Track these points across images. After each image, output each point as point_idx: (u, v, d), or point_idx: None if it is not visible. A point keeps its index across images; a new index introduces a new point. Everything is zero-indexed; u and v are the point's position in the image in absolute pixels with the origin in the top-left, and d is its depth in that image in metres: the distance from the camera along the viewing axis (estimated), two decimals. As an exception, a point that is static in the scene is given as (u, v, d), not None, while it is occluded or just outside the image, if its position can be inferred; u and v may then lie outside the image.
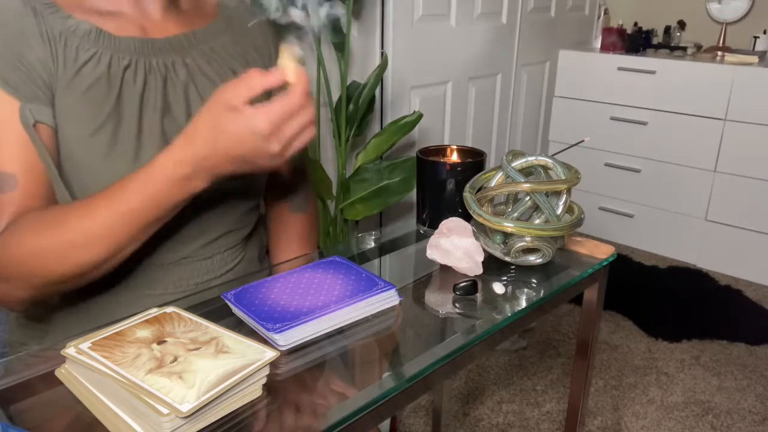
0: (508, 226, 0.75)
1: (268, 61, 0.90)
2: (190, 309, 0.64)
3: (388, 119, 2.02)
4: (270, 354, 0.54)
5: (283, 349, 0.62)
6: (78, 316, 0.78)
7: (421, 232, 0.94)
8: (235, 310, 0.68)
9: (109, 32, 0.73)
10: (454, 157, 0.95)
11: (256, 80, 0.62)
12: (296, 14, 0.64)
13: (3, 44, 0.67)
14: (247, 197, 0.85)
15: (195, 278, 0.81)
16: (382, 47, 1.99)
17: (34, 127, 0.68)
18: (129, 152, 0.71)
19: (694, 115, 2.50)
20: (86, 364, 0.52)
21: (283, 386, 0.57)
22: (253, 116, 0.61)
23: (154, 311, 0.62)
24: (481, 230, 0.82)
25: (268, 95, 0.63)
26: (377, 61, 1.99)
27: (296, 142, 0.65)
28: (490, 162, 2.55)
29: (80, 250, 0.66)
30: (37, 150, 0.68)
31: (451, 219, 0.82)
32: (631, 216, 2.78)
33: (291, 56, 0.63)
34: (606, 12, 3.01)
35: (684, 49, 2.67)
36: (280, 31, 0.64)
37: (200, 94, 0.78)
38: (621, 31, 2.76)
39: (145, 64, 0.74)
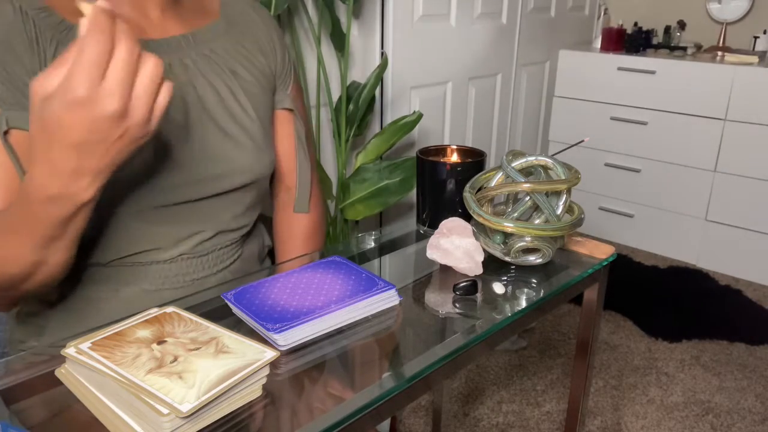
0: (508, 226, 0.75)
1: (273, 61, 0.89)
2: (190, 309, 0.64)
3: (388, 119, 2.03)
4: (270, 354, 0.54)
5: (283, 349, 0.62)
6: (75, 312, 0.78)
7: (421, 232, 0.94)
8: (235, 309, 0.68)
9: None
10: (454, 157, 0.95)
11: (63, 56, 0.52)
12: None
13: None
14: (244, 197, 0.85)
15: (191, 275, 0.81)
16: (382, 47, 1.99)
17: (7, 134, 0.67)
18: None
19: (694, 115, 2.50)
20: (86, 364, 0.52)
21: (283, 386, 0.57)
22: (63, 91, 0.51)
23: (154, 311, 0.62)
24: (481, 230, 0.82)
25: None
26: (377, 61, 1.99)
27: (139, 85, 0.53)
28: (490, 162, 2.55)
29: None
30: (9, 157, 0.67)
31: (451, 219, 0.82)
32: (631, 216, 2.78)
33: (82, 5, 0.53)
34: (606, 12, 3.01)
35: (684, 49, 2.67)
36: None
37: (199, 94, 0.78)
38: (621, 31, 2.76)
39: None
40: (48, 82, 0.52)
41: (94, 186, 0.58)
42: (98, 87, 0.51)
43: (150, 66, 0.54)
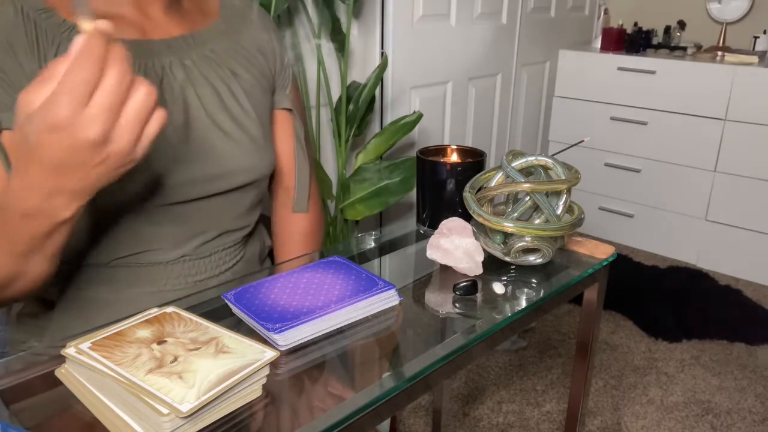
0: (508, 226, 0.75)
1: (272, 62, 0.89)
2: (190, 309, 0.64)
3: (388, 119, 2.03)
4: (270, 354, 0.54)
5: (283, 349, 0.62)
6: (76, 313, 0.78)
7: (421, 232, 0.94)
8: (235, 310, 0.68)
9: None
10: (454, 157, 0.95)
11: (54, 70, 0.49)
12: None
13: None
14: (245, 197, 0.85)
15: (193, 276, 0.81)
16: (382, 47, 1.99)
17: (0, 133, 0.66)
18: None
19: (694, 115, 2.50)
20: (86, 364, 0.52)
21: (283, 386, 0.57)
22: (44, 112, 0.49)
23: (154, 311, 0.62)
24: (481, 230, 0.82)
25: None
26: (377, 61, 1.99)
27: (126, 114, 0.51)
28: (490, 162, 2.55)
29: None
30: (1, 157, 0.67)
31: (451, 219, 0.82)
32: (631, 216, 2.78)
33: (84, 25, 0.50)
34: (606, 12, 3.01)
35: (684, 49, 2.67)
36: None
37: (198, 95, 0.78)
38: (621, 31, 2.76)
39: (140, 66, 0.74)
40: (33, 97, 0.50)
41: (73, 206, 0.57)
42: (81, 112, 0.49)
43: (141, 94, 0.52)
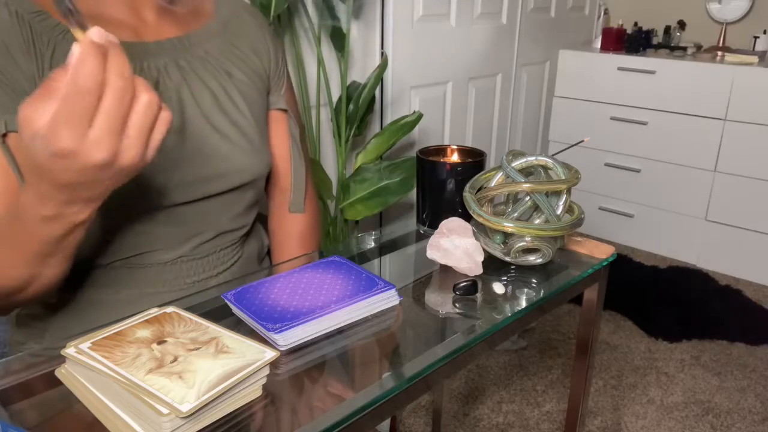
0: (508, 226, 0.75)
1: (268, 62, 0.89)
2: (190, 309, 0.64)
3: (388, 119, 2.03)
4: (270, 354, 0.54)
5: (283, 349, 0.62)
6: (75, 315, 0.78)
7: (421, 232, 0.94)
8: (235, 310, 0.68)
9: None
10: (454, 157, 0.95)
11: (56, 83, 0.48)
12: None
13: None
14: (242, 198, 0.85)
15: (191, 276, 0.81)
16: (382, 47, 1.99)
17: (6, 136, 0.66)
18: None
19: (694, 115, 2.50)
20: (86, 364, 0.52)
21: (283, 386, 0.57)
22: (48, 137, 0.48)
23: (154, 311, 0.62)
24: (481, 230, 0.82)
25: None
26: (377, 61, 1.99)
27: (133, 124, 0.50)
28: (490, 162, 2.55)
29: None
30: (7, 160, 0.67)
31: (451, 219, 0.82)
32: (631, 216, 2.78)
33: (77, 33, 0.49)
34: (606, 12, 3.01)
35: (684, 49, 2.67)
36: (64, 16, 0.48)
37: (194, 96, 0.78)
38: (621, 31, 2.76)
39: (135, 68, 0.74)
40: (37, 116, 0.48)
41: (88, 209, 0.58)
42: (84, 137, 0.48)
43: (143, 103, 0.51)
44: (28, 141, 0.50)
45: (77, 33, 0.49)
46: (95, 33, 0.48)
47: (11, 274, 0.63)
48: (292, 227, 0.98)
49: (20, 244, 0.61)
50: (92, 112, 0.48)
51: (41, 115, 0.48)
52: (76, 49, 0.47)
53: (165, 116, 0.53)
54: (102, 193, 0.56)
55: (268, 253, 1.00)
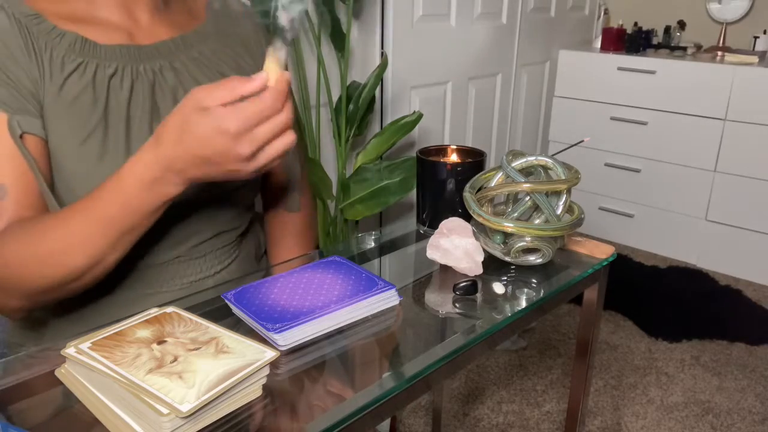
0: (508, 226, 0.75)
1: (261, 62, 0.89)
2: (190, 309, 0.64)
3: (388, 119, 2.02)
4: (270, 354, 0.54)
5: (283, 349, 0.62)
6: (74, 317, 0.78)
7: (421, 232, 0.94)
8: (234, 310, 0.68)
9: (94, 41, 0.73)
10: (454, 157, 0.95)
11: (236, 84, 0.59)
12: (284, 17, 0.62)
13: None
14: (238, 198, 0.85)
15: (189, 276, 0.81)
16: (382, 47, 1.99)
17: (22, 138, 0.68)
18: (119, 159, 0.71)
19: (694, 115, 2.50)
20: (86, 364, 0.52)
21: (282, 386, 0.57)
22: (221, 116, 0.58)
23: (154, 311, 0.62)
24: (481, 230, 0.82)
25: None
26: (377, 61, 1.99)
27: (270, 148, 0.61)
28: (490, 162, 2.55)
29: (59, 259, 0.65)
30: (26, 160, 0.68)
31: (451, 219, 0.82)
32: (631, 216, 2.78)
33: (275, 60, 0.61)
34: (606, 12, 3.01)
35: (684, 49, 2.67)
36: (269, 33, 0.61)
37: None
38: (621, 31, 2.76)
39: (132, 71, 0.74)
40: (211, 96, 0.58)
41: (183, 185, 0.64)
42: (249, 132, 0.59)
43: (287, 139, 0.62)
44: (194, 111, 0.59)
45: (275, 60, 0.61)
46: (287, 74, 0.61)
47: (83, 251, 0.65)
48: (287, 226, 0.98)
49: (106, 217, 0.64)
50: (263, 121, 0.59)
51: (218, 95, 0.58)
52: (272, 75, 0.60)
53: (289, 143, 0.63)
54: (203, 177, 0.63)
55: (266, 252, 1.00)
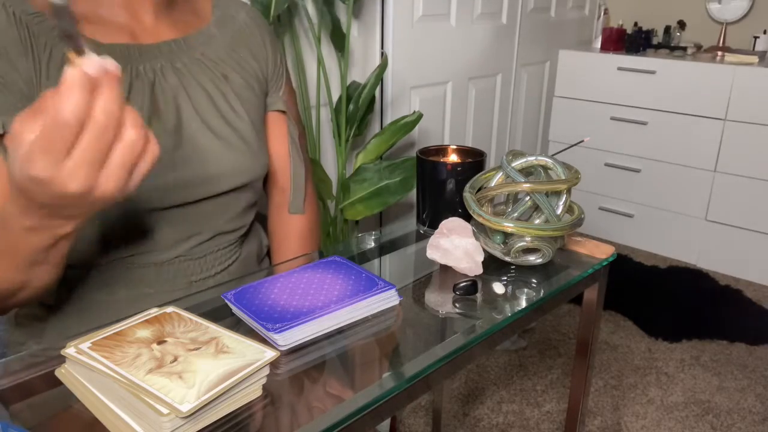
0: (508, 226, 0.75)
1: (265, 65, 0.89)
2: (190, 309, 0.64)
3: (388, 119, 2.02)
4: (270, 354, 0.54)
5: (283, 349, 0.62)
6: (74, 315, 0.78)
7: (421, 232, 0.94)
8: (234, 309, 0.68)
9: (95, 39, 0.73)
10: (454, 157, 0.95)
11: (46, 101, 0.46)
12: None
13: None
14: (239, 199, 0.85)
15: (189, 276, 0.81)
16: (382, 47, 1.99)
17: (2, 137, 0.66)
18: None
19: (694, 115, 2.50)
20: (86, 364, 0.52)
21: (283, 386, 0.57)
22: (23, 154, 0.47)
23: (154, 311, 0.62)
24: (481, 230, 0.82)
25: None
26: (377, 61, 1.99)
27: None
28: (490, 162, 2.55)
29: None
30: (4, 160, 0.66)
31: (451, 219, 0.82)
32: (631, 216, 2.78)
33: (72, 57, 0.47)
34: (606, 12, 3.01)
35: (684, 49, 2.67)
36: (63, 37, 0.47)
37: (190, 98, 0.78)
38: (621, 31, 2.76)
39: (132, 70, 0.74)
40: (25, 129, 0.47)
41: (71, 225, 0.57)
42: (60, 167, 0.47)
43: (128, 140, 0.49)
44: (12, 157, 0.49)
45: (73, 57, 0.46)
46: (90, 64, 0.46)
47: (2, 278, 0.63)
48: (291, 228, 0.98)
49: (8, 250, 0.60)
50: (71, 143, 0.47)
51: (31, 128, 0.46)
52: (67, 75, 0.46)
53: (153, 150, 0.52)
54: (83, 213, 0.55)
55: (268, 253, 1.00)
